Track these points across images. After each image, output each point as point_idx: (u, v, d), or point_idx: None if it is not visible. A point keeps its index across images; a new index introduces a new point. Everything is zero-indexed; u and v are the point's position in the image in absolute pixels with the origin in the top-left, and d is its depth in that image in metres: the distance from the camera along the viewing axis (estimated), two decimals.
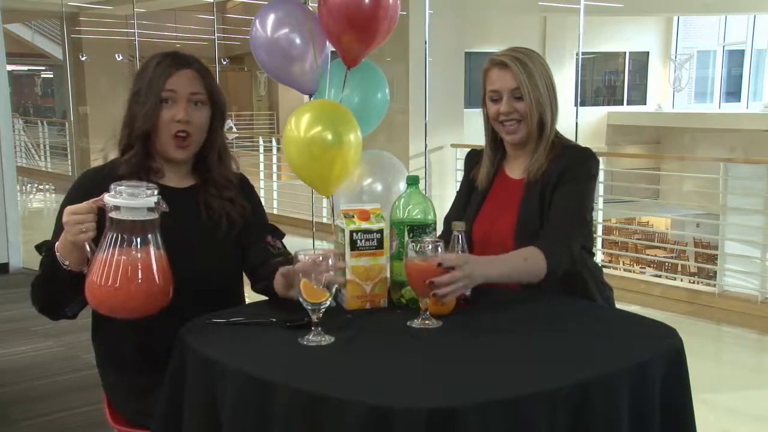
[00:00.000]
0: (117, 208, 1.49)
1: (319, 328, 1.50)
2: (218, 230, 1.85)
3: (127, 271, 1.50)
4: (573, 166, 1.94)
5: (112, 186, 1.51)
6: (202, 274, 1.78)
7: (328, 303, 1.50)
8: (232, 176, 1.92)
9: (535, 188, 1.96)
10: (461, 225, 1.74)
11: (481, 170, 2.09)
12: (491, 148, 2.08)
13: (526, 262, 1.78)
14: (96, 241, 1.54)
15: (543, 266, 1.78)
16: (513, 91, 1.95)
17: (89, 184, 1.76)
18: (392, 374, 1.36)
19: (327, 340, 1.49)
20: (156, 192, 1.52)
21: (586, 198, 1.95)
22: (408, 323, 1.58)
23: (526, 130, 1.98)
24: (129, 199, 1.48)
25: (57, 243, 1.59)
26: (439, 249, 1.58)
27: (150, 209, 1.51)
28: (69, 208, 1.55)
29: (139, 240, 1.51)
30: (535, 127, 1.97)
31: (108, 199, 1.50)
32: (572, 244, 1.88)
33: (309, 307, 1.49)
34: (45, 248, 1.63)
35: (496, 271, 1.72)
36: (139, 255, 1.51)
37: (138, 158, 1.79)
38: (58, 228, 1.64)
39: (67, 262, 1.58)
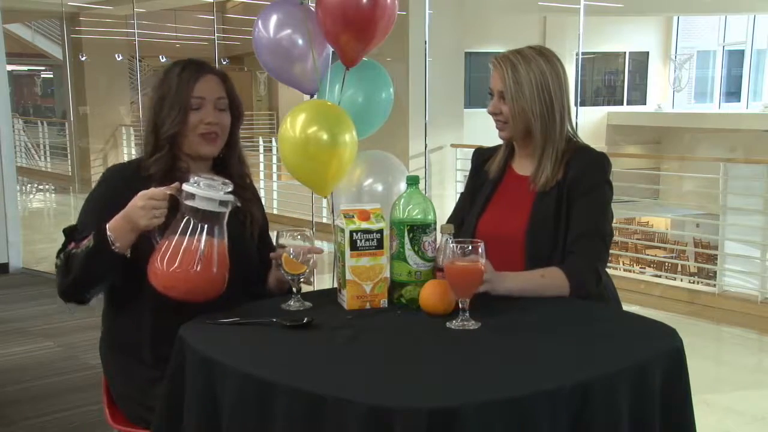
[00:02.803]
0: (192, 196, 1.60)
1: (299, 296, 1.73)
2: (245, 232, 1.92)
3: (203, 257, 1.61)
4: (588, 174, 1.95)
5: (191, 176, 1.65)
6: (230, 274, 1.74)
7: (305, 273, 1.73)
8: (248, 178, 2.01)
9: (550, 196, 1.95)
10: (450, 228, 1.76)
11: (494, 162, 2.10)
12: (504, 143, 2.11)
13: (543, 279, 1.83)
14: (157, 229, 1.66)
15: (565, 286, 1.83)
16: (500, 93, 1.98)
17: (116, 179, 1.86)
18: (392, 374, 1.36)
19: (306, 305, 1.72)
20: (230, 188, 1.65)
21: (606, 209, 1.96)
22: (447, 324, 1.58)
23: (511, 132, 2.00)
24: (206, 190, 1.61)
25: (109, 224, 1.67)
26: (480, 250, 1.59)
27: (222, 203, 1.62)
28: (144, 193, 1.64)
29: (209, 228, 1.62)
30: (519, 131, 1.98)
31: (187, 187, 1.61)
32: (599, 267, 1.90)
33: (289, 278, 1.73)
34: (96, 228, 1.69)
35: (517, 285, 1.79)
36: (208, 242, 1.62)
37: (166, 159, 1.86)
38: (88, 214, 1.80)
39: (117, 244, 1.67)
